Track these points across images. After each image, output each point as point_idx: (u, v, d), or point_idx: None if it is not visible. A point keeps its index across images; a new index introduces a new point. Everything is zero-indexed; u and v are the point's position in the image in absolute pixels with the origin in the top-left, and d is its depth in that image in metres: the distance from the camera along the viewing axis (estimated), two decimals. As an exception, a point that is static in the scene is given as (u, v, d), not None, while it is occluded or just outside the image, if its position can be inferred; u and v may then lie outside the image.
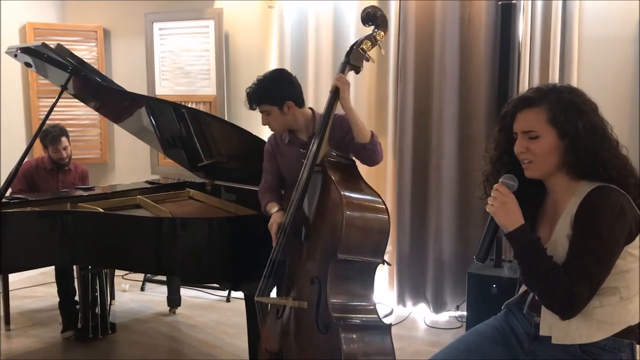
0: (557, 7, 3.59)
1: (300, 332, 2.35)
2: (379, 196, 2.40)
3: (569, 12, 3.60)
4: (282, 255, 2.40)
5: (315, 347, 2.27)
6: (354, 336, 2.22)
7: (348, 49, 2.49)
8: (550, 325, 1.62)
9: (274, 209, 2.62)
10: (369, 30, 2.51)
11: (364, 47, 2.45)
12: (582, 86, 3.57)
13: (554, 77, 3.61)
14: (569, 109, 1.58)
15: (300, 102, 2.67)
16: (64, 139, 3.93)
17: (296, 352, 2.36)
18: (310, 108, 2.74)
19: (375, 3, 4.08)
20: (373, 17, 2.47)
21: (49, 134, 3.88)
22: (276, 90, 2.60)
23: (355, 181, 2.42)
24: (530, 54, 3.67)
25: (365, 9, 2.50)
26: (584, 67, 3.64)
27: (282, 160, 2.75)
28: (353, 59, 2.45)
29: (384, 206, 2.38)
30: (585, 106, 1.59)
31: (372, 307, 2.36)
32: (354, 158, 2.65)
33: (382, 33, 2.48)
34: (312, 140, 2.43)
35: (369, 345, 2.27)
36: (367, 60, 2.48)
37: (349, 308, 2.29)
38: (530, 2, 3.64)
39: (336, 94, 2.43)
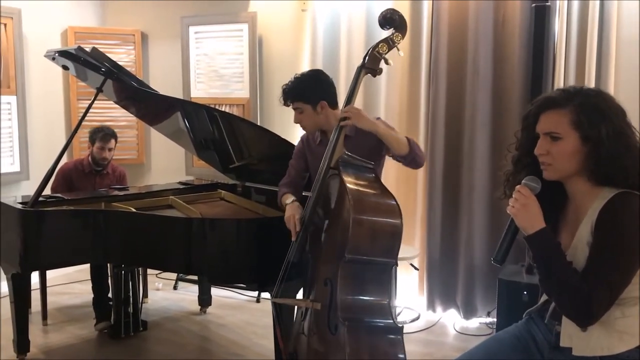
0: (594, 7, 3.50)
1: (316, 333, 2.37)
2: (394, 198, 2.38)
3: (607, 12, 3.50)
4: (296, 257, 2.42)
5: (326, 347, 2.28)
6: (360, 337, 2.21)
7: (365, 53, 2.49)
8: (571, 336, 1.58)
9: (289, 199, 2.64)
10: (387, 33, 2.50)
11: (380, 50, 2.45)
12: (619, 89, 3.52)
13: (590, 80, 3.52)
14: (593, 112, 1.54)
15: (334, 103, 2.70)
16: (113, 140, 4.01)
17: (310, 352, 2.38)
18: None
19: (407, 5, 4.07)
20: (390, 20, 2.46)
21: (101, 131, 3.98)
22: (312, 89, 2.64)
23: (369, 183, 2.41)
24: (565, 56, 3.59)
25: (383, 12, 2.48)
26: (622, 70, 3.54)
27: (312, 160, 2.78)
28: (368, 62, 2.45)
29: (397, 209, 2.35)
30: (611, 111, 1.54)
31: (385, 308, 2.33)
32: (384, 159, 2.69)
33: (400, 36, 2.47)
34: (328, 144, 2.45)
35: (377, 346, 2.25)
36: (386, 63, 2.47)
37: (358, 309, 2.28)
38: (565, 3, 3.56)
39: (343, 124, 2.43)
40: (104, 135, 3.96)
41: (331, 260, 2.32)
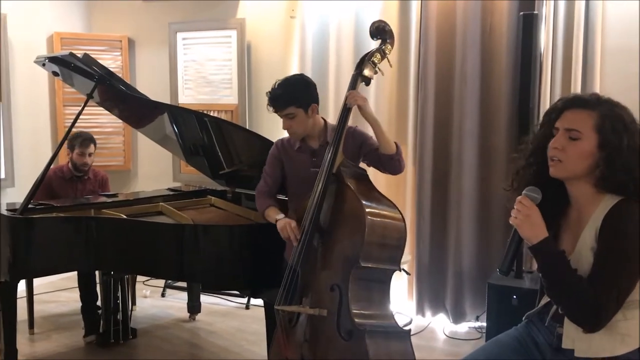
0: (579, 17, 3.57)
1: (318, 340, 2.36)
2: (394, 205, 2.43)
3: (592, 22, 3.57)
4: (302, 264, 2.40)
5: (338, 354, 2.27)
6: (379, 342, 2.24)
7: (358, 61, 2.52)
8: (573, 339, 1.61)
9: (278, 215, 2.63)
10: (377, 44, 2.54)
11: (375, 59, 2.48)
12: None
13: (576, 88, 3.59)
14: (618, 122, 1.57)
15: (318, 107, 2.70)
16: (92, 145, 3.97)
17: (313, 358, 2.37)
18: (323, 118, 2.77)
19: (395, 16, 4.10)
20: (382, 31, 2.50)
21: (79, 137, 3.93)
22: (303, 92, 2.63)
23: (371, 190, 2.45)
24: (552, 64, 3.65)
25: (374, 23, 2.52)
26: (607, 78, 3.61)
27: (289, 166, 2.76)
28: (365, 70, 2.48)
29: (400, 214, 2.41)
30: (633, 125, 1.59)
31: (390, 313, 2.38)
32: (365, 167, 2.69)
33: (390, 47, 2.52)
34: (327, 150, 2.45)
35: (393, 350, 2.28)
36: (376, 72, 2.50)
37: (370, 314, 2.30)
38: (552, 13, 3.62)
39: (349, 108, 2.46)
40: (82, 140, 3.92)
41: (339, 266, 2.33)
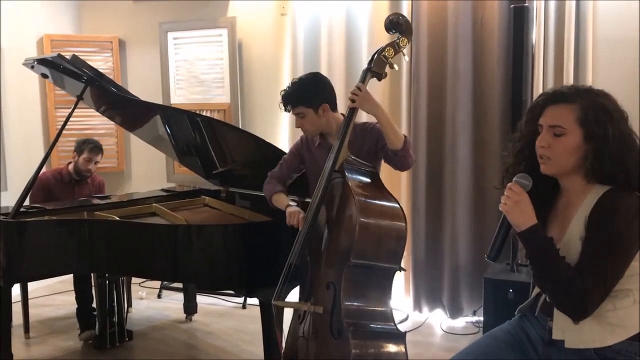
0: (570, 8, 3.56)
1: (316, 338, 2.35)
2: (397, 203, 2.39)
3: (583, 13, 3.57)
4: (298, 260, 2.39)
5: (329, 352, 2.27)
6: (365, 343, 2.21)
7: (371, 57, 2.48)
8: (563, 329, 1.61)
9: (287, 202, 2.65)
10: (391, 37, 2.50)
11: (386, 54, 2.44)
12: (596, 87, 3.58)
13: (569, 79, 3.58)
14: (601, 112, 1.55)
15: (334, 106, 2.70)
16: (100, 155, 4.02)
17: (312, 357, 2.36)
18: (342, 114, 2.75)
19: (386, 13, 4.07)
20: (397, 24, 2.46)
21: (91, 143, 3.97)
22: (313, 92, 2.64)
23: (373, 187, 2.42)
24: (544, 56, 3.65)
25: (389, 16, 2.48)
26: (599, 69, 3.60)
27: (309, 162, 2.79)
28: (375, 66, 2.44)
29: (401, 213, 2.36)
30: (617, 114, 1.57)
31: (387, 314, 2.34)
32: (380, 163, 2.68)
33: (406, 40, 2.46)
34: (332, 147, 2.44)
35: (381, 352, 2.25)
36: (391, 67, 2.46)
37: (362, 314, 2.28)
38: (543, 4, 3.62)
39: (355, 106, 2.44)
40: (94, 147, 3.96)
41: (334, 264, 2.32)
